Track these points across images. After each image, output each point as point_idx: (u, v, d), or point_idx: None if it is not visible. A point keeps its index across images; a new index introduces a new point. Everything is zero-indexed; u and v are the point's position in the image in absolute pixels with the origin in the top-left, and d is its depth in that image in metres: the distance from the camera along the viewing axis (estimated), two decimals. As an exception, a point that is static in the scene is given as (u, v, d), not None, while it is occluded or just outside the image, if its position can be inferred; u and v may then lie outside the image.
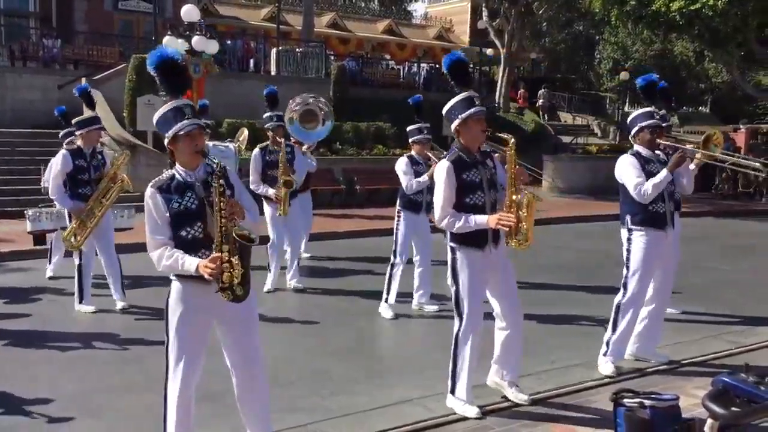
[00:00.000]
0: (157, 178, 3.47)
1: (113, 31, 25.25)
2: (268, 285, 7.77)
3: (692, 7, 17.99)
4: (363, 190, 16.84)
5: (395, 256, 6.90)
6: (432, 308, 7.05)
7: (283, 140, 7.70)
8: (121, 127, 15.92)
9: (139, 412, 4.49)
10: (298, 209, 8.20)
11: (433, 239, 6.91)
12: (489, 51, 31.85)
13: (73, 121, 7.08)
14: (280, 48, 22.19)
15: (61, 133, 7.84)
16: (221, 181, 3.32)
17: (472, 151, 4.30)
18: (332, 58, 26.21)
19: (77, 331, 6.36)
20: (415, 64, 29.46)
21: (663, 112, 6.38)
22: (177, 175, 3.46)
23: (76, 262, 6.92)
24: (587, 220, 14.89)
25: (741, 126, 22.81)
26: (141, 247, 9.01)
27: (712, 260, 10.22)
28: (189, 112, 3.45)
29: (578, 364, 5.39)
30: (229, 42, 22.88)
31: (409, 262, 7.02)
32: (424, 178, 6.59)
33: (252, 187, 7.52)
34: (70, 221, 6.83)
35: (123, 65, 17.74)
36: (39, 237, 8.09)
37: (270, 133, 7.81)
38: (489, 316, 4.48)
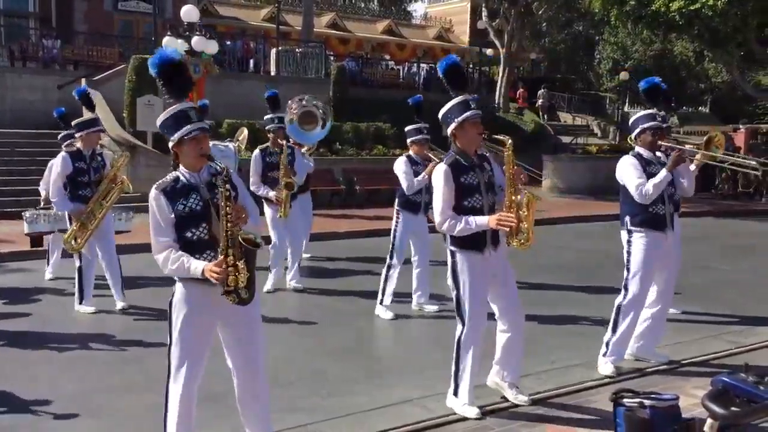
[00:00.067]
0: (161, 180, 3.46)
1: (113, 31, 25.27)
2: (268, 285, 7.77)
3: (692, 7, 17.99)
4: (363, 190, 16.85)
5: (391, 257, 6.89)
6: (432, 308, 7.05)
7: (284, 142, 7.71)
8: (121, 127, 15.91)
9: (139, 412, 4.50)
10: (298, 210, 8.20)
11: (432, 240, 6.92)
12: (489, 51, 31.86)
13: (73, 123, 7.07)
14: (280, 48, 22.19)
15: (60, 135, 7.84)
16: (227, 186, 3.32)
17: (470, 155, 4.31)
18: (332, 58, 26.22)
19: (77, 332, 6.36)
20: (415, 65, 29.46)
21: (663, 113, 6.39)
22: (181, 177, 3.45)
23: (77, 264, 6.92)
24: (587, 220, 14.90)
25: (741, 126, 22.80)
26: (140, 248, 9.09)
27: (712, 260, 10.22)
28: (194, 115, 3.45)
29: (578, 364, 5.39)
30: (228, 42, 22.88)
31: (408, 262, 7.02)
32: (423, 176, 6.59)
33: (252, 188, 7.52)
34: (71, 224, 6.82)
35: (123, 66, 17.74)
36: (36, 239, 8.08)
37: (271, 135, 7.81)
38: (491, 317, 4.48)
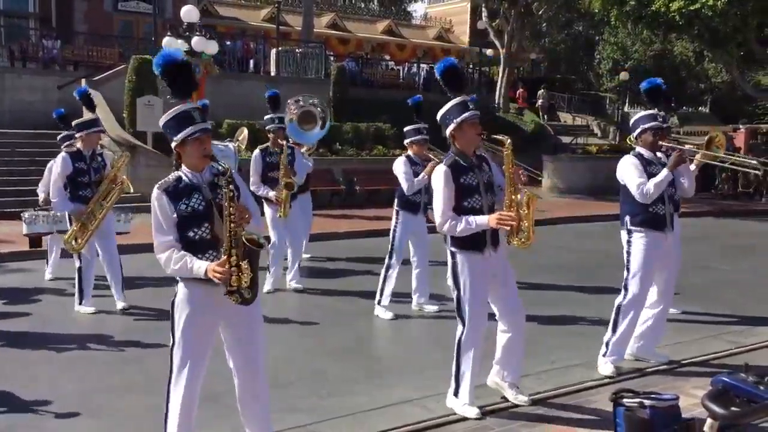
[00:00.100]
0: (163, 180, 3.46)
1: (113, 31, 25.26)
2: (267, 286, 7.76)
3: (692, 7, 18.00)
4: (363, 190, 16.85)
5: (390, 258, 6.89)
6: (432, 308, 7.05)
7: (284, 142, 7.71)
8: (121, 127, 15.91)
9: (139, 413, 4.50)
10: (298, 210, 8.20)
11: (431, 240, 6.92)
12: (489, 51, 31.86)
13: (73, 123, 7.07)
14: (280, 48, 22.20)
15: (59, 136, 7.84)
16: (231, 187, 3.32)
17: (469, 155, 4.32)
18: (332, 58, 26.22)
19: (77, 332, 6.36)
20: (415, 65, 29.47)
21: (663, 114, 6.41)
22: (184, 177, 3.45)
23: (76, 264, 6.92)
24: (587, 220, 14.90)
25: (741, 126, 22.80)
26: (140, 248, 9.08)
27: (712, 260, 10.22)
28: (197, 116, 3.45)
29: (578, 364, 5.39)
30: (228, 43, 22.88)
31: (406, 262, 7.02)
32: (423, 176, 6.59)
33: (252, 188, 7.52)
34: (71, 224, 6.82)
35: (123, 66, 17.73)
36: (35, 240, 8.07)
37: (271, 135, 7.81)
38: (491, 317, 4.48)
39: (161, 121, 3.49)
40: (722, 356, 5.57)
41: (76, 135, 6.98)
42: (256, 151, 7.88)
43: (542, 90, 33.15)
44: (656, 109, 5.30)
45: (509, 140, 4.28)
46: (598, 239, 12.19)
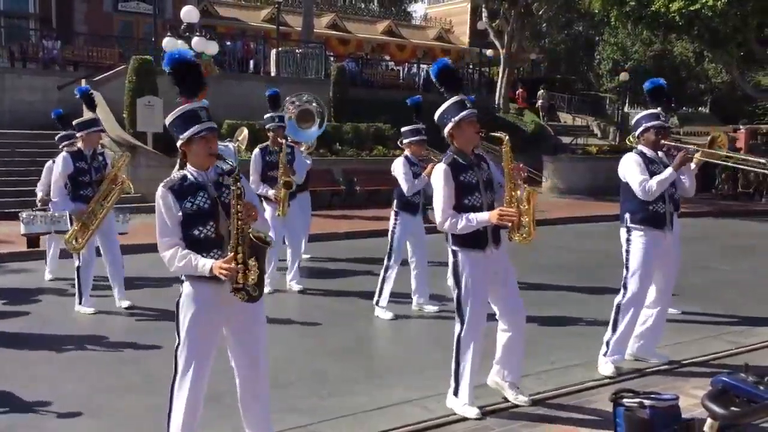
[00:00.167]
0: (168, 178, 3.45)
1: (113, 32, 25.26)
2: (266, 287, 7.76)
3: (692, 8, 18.00)
4: (363, 190, 16.84)
5: (389, 259, 6.89)
6: (432, 308, 7.05)
7: (284, 141, 7.71)
8: (121, 128, 15.92)
9: (139, 413, 4.50)
10: (297, 209, 8.20)
11: (430, 240, 6.91)
12: (489, 52, 31.84)
13: (74, 123, 7.08)
14: (280, 49, 22.20)
15: (58, 136, 7.84)
16: (239, 184, 3.32)
17: (467, 154, 4.32)
18: (332, 59, 26.20)
19: (77, 332, 6.36)
20: (415, 65, 29.45)
21: (664, 113, 6.41)
22: (189, 176, 3.45)
23: (76, 264, 6.92)
24: (587, 220, 14.90)
25: (741, 126, 22.80)
26: (140, 249, 9.06)
27: (712, 260, 10.22)
28: (204, 115, 3.45)
29: (578, 364, 5.39)
30: (228, 43, 22.89)
31: (405, 263, 7.02)
32: (423, 177, 6.58)
33: (252, 187, 7.49)
34: (72, 224, 6.82)
35: (123, 66, 17.72)
36: (33, 240, 8.07)
37: (271, 134, 7.81)
38: (491, 317, 4.48)
39: (167, 120, 3.49)
40: (722, 356, 5.57)
41: (77, 134, 6.99)
42: (256, 150, 7.88)
43: (542, 90, 33.16)
44: (658, 109, 5.31)
45: (507, 137, 4.30)
46: (598, 239, 12.19)
